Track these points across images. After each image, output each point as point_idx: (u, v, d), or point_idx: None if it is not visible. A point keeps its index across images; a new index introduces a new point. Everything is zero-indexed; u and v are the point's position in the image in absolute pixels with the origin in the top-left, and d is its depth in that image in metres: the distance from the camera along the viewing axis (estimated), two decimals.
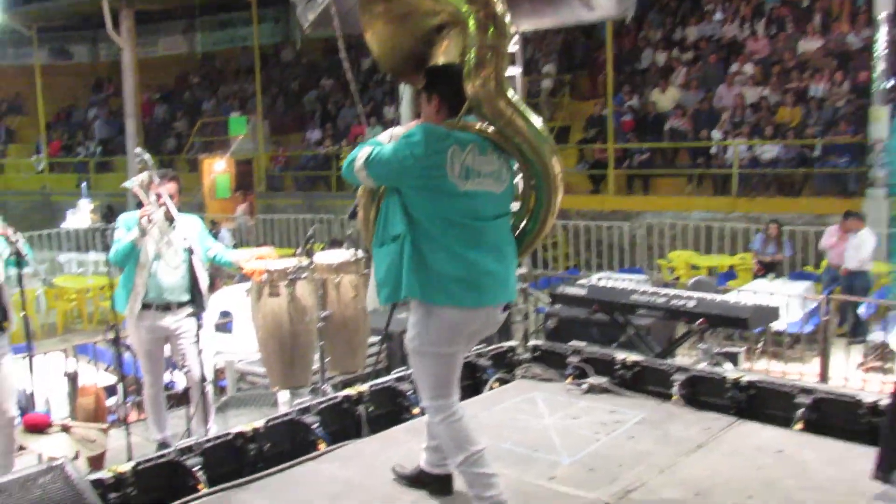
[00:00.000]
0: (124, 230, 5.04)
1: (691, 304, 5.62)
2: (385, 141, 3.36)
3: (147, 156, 4.88)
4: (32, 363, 6.60)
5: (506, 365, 5.34)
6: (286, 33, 24.76)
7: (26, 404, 7.16)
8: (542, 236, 3.64)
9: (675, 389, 4.66)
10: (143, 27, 23.87)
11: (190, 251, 4.84)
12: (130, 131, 20.25)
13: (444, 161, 3.22)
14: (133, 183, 4.98)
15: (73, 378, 6.76)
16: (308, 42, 22.61)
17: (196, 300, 4.93)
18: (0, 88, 26.35)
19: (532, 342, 5.55)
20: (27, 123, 26.42)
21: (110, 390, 7.02)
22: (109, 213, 19.37)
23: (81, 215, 19.23)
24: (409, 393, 4.60)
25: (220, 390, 7.50)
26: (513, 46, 8.54)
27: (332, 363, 5.37)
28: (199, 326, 4.89)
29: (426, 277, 3.26)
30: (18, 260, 4.24)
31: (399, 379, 4.71)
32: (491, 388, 5.10)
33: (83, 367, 7.20)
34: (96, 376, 7.22)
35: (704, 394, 4.64)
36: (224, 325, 7.70)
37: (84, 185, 20.53)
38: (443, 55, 3.52)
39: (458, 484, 3.55)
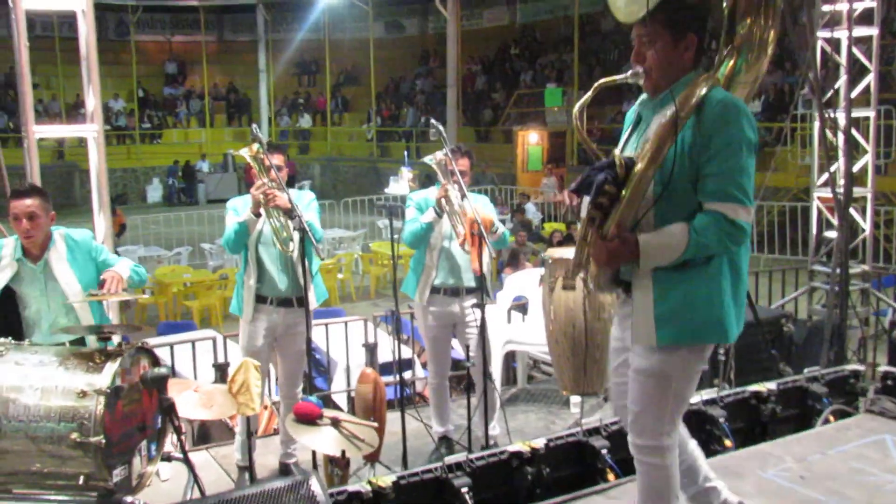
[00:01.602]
0: (415, 210, 4.74)
1: None
2: None
3: (441, 127, 4.51)
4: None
5: (846, 394, 4.35)
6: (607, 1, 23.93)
7: (327, 369, 7.39)
8: None
9: None
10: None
11: (480, 233, 4.41)
12: (451, 102, 20.74)
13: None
14: (431, 160, 4.66)
15: (371, 349, 6.75)
16: None
17: (482, 286, 4.51)
18: (338, 60, 28.29)
19: (883, 368, 4.47)
20: (360, 93, 28.19)
21: (407, 363, 6.95)
22: (428, 182, 20.07)
23: (402, 183, 20.07)
24: (721, 420, 3.83)
25: (513, 372, 7.15)
26: (869, 1, 7.24)
27: None
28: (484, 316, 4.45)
29: (735, 304, 2.58)
30: (303, 237, 4.04)
31: (708, 402, 3.94)
32: (826, 422, 4.16)
33: (382, 338, 7.20)
34: (394, 349, 7.19)
35: None
36: (522, 307, 7.32)
37: (406, 153, 21.39)
38: None
39: None
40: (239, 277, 4.50)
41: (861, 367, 4.50)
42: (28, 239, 3.80)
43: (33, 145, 4.73)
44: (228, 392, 3.94)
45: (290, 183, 19.62)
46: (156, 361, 3.60)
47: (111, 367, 3.27)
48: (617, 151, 2.64)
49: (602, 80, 2.64)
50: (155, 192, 26.20)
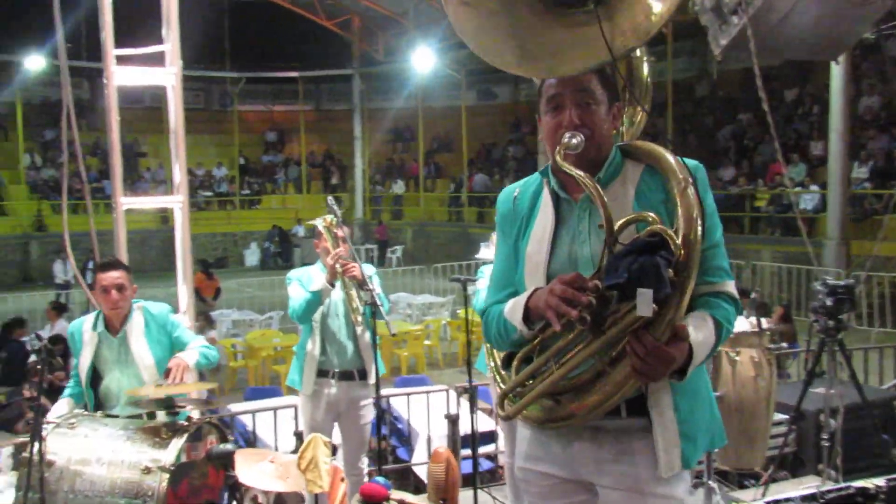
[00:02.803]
0: (487, 281, 4.62)
1: None
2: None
3: None
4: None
5: None
6: (702, 67, 23.69)
7: (409, 439, 7.26)
8: None
9: None
10: None
11: None
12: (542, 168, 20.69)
13: None
14: None
15: (453, 420, 6.58)
16: (725, 74, 21.35)
17: None
18: (431, 127, 28.72)
19: None
20: (452, 160, 28.48)
21: (489, 436, 6.77)
22: None
23: (493, 248, 19.92)
24: None
25: None
26: None
27: (722, 454, 4.43)
28: None
29: None
30: (374, 311, 3.98)
31: (808, 498, 3.62)
32: None
33: (466, 408, 7.03)
34: (477, 422, 7.02)
35: None
36: None
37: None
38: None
39: None
40: (300, 349, 4.44)
41: None
42: (115, 311, 3.85)
43: (121, 216, 4.84)
44: (297, 468, 3.85)
45: (383, 248, 19.81)
46: (223, 436, 3.54)
47: (177, 443, 3.23)
48: (539, 248, 2.20)
49: (558, 149, 2.14)
50: (252, 256, 26.88)
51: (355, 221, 28.59)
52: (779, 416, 5.47)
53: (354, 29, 28.44)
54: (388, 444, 7.45)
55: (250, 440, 6.56)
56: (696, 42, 22.64)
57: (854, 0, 6.14)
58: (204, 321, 11.62)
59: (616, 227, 2.02)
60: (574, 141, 2.11)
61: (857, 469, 5.65)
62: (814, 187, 16.26)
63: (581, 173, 2.06)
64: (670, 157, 2.12)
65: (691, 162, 2.15)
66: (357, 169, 29.46)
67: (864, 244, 14.04)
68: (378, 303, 3.95)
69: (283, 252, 26.34)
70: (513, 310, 2.16)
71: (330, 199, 4.28)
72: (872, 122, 17.12)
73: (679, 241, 1.97)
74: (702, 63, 23.70)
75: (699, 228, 2.01)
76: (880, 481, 3.84)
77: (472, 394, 4.54)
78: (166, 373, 3.67)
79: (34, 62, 22.43)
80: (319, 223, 4.24)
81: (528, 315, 2.11)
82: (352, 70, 28.92)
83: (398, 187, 28.91)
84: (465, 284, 4.19)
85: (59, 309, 10.42)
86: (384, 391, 7.59)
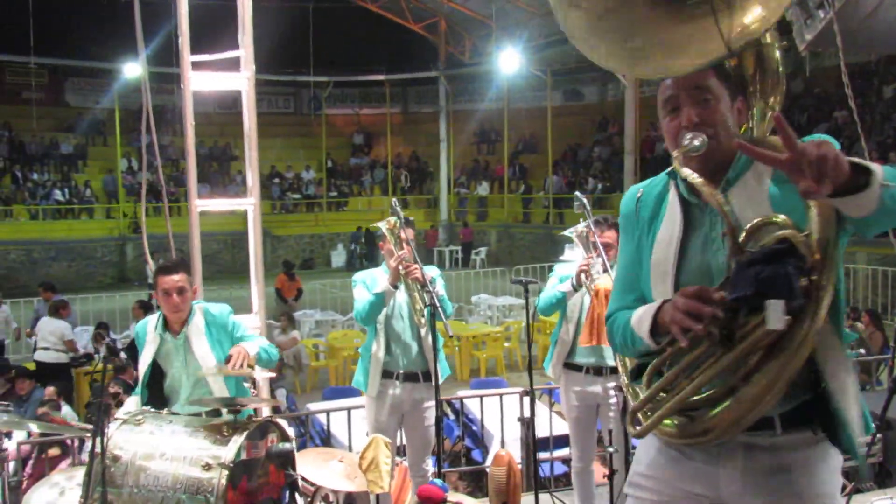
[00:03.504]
0: (556, 280, 4.59)
1: None
2: None
3: (584, 199, 4.35)
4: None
5: None
6: (796, 63, 22.92)
7: (483, 441, 7.25)
8: None
9: None
10: None
11: None
12: (628, 168, 20.44)
13: None
14: (572, 231, 4.50)
15: (527, 423, 6.54)
16: (820, 71, 20.61)
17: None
18: (517, 129, 28.63)
19: None
20: (537, 161, 28.31)
21: (565, 440, 6.69)
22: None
23: (578, 251, 19.75)
24: None
25: None
26: None
27: None
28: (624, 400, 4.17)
29: None
30: (433, 312, 3.97)
31: None
32: None
33: (542, 410, 6.98)
34: (551, 423, 6.95)
35: None
36: None
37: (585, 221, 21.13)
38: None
39: None
40: (365, 350, 4.47)
41: None
42: (176, 313, 3.89)
43: (195, 218, 4.97)
44: (358, 468, 3.89)
45: (467, 249, 19.91)
46: (285, 435, 3.60)
47: (237, 441, 3.29)
48: (667, 254, 2.08)
49: (677, 152, 2.06)
50: (339, 257, 27.29)
51: (440, 223, 28.71)
52: None
53: (440, 31, 28.61)
54: (461, 445, 7.46)
55: (326, 439, 6.66)
56: (789, 38, 21.94)
57: None
58: (286, 321, 11.86)
59: (745, 233, 1.91)
60: (696, 142, 2.01)
61: None
62: None
63: (700, 180, 1.97)
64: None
65: (814, 138, 1.95)
66: (442, 171, 29.58)
67: None
68: (437, 304, 3.95)
69: (369, 253, 26.67)
70: (640, 321, 2.06)
71: (393, 201, 4.31)
72: None
73: (812, 245, 1.84)
74: (796, 59, 22.92)
75: (835, 229, 1.87)
76: None
77: (532, 397, 4.49)
78: (227, 358, 3.70)
79: (131, 70, 23.28)
80: (383, 226, 4.27)
81: (656, 328, 2.01)
82: (437, 72, 29.07)
83: (483, 189, 28.92)
84: (527, 286, 4.15)
85: (146, 308, 10.78)
86: (459, 392, 7.61)
